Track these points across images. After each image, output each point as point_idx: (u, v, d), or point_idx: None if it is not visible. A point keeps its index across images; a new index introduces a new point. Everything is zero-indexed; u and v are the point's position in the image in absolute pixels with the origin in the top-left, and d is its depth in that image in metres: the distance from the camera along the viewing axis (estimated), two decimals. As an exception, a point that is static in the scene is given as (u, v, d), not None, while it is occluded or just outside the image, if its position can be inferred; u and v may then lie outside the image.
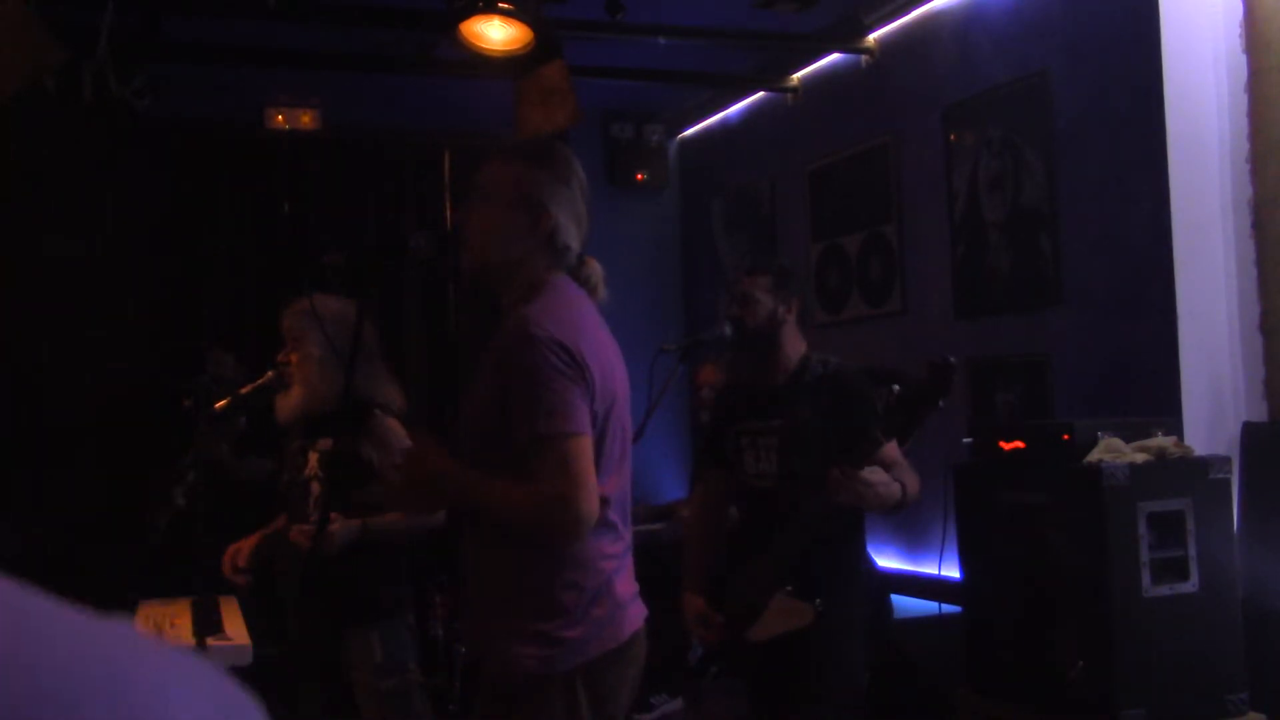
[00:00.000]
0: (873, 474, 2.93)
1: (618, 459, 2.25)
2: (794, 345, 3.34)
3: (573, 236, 2.30)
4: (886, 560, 4.75)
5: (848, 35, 5.15)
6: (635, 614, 2.27)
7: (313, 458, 3.38)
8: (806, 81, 5.67)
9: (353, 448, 3.21)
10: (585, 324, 2.23)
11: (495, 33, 4.21)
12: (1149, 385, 3.70)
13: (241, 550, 3.38)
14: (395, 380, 3.43)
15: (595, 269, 2.37)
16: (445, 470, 2.19)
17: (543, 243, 2.26)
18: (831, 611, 3.11)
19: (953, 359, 2.92)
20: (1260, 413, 3.55)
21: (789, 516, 3.08)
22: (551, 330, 2.12)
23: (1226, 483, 3.17)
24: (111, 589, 4.01)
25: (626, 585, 2.26)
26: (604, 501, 2.18)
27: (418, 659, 3.38)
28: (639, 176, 6.63)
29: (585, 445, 2.10)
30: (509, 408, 2.13)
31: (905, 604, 4.46)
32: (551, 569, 2.17)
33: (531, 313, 2.16)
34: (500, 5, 4.08)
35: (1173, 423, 3.36)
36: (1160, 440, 3.19)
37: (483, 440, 2.20)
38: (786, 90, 5.74)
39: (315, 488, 3.36)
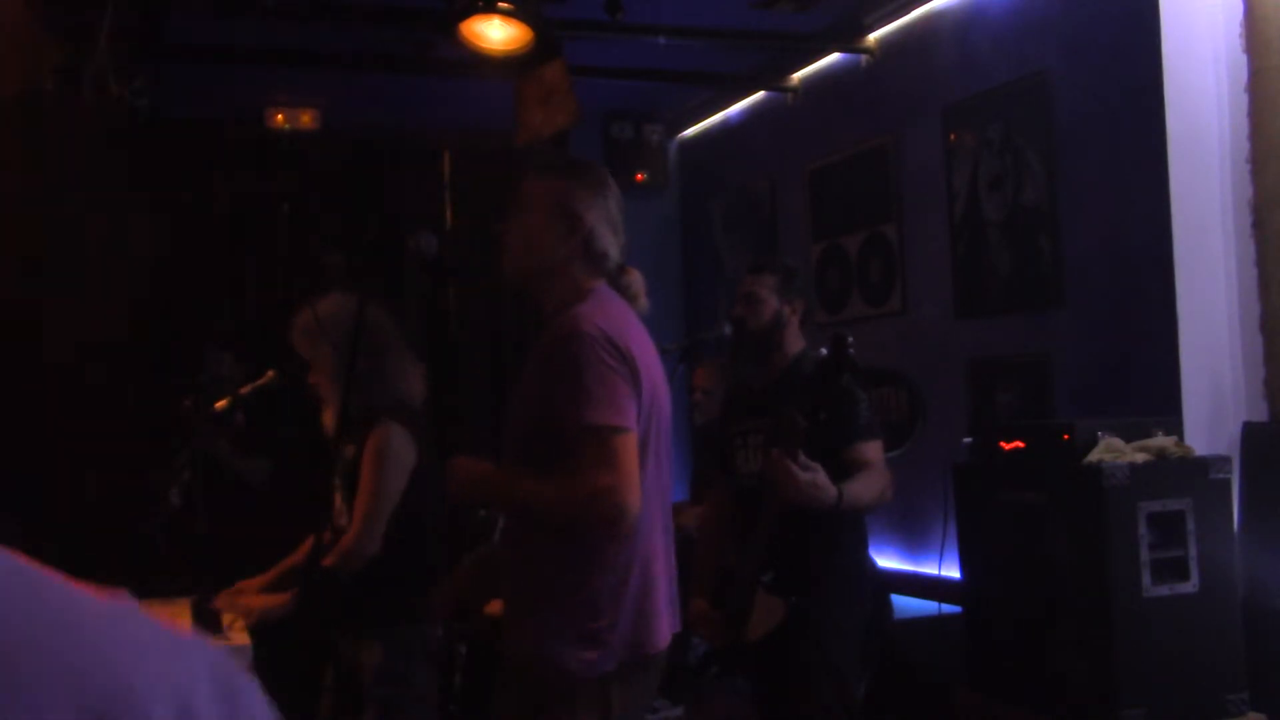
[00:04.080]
0: (808, 470, 2.90)
1: (662, 461, 2.32)
2: (794, 346, 3.34)
3: (610, 244, 2.35)
4: (886, 560, 4.75)
5: (848, 35, 5.15)
6: (673, 622, 2.30)
7: (339, 467, 3.37)
8: (806, 81, 5.67)
9: (359, 458, 3.18)
10: (632, 326, 2.28)
11: (495, 33, 4.21)
12: (1149, 385, 3.70)
13: (249, 614, 3.28)
14: (416, 366, 3.35)
15: (636, 278, 2.43)
16: (484, 475, 2.29)
17: (580, 249, 2.32)
18: (815, 607, 3.11)
19: (851, 339, 2.90)
20: (1260, 413, 3.55)
21: (763, 508, 3.08)
22: (602, 326, 2.17)
23: (1226, 483, 3.17)
24: (111, 589, 4.00)
25: (668, 595, 2.29)
26: (649, 504, 2.22)
27: (428, 676, 3.26)
28: (639, 176, 6.62)
29: (632, 441, 2.14)
30: (556, 401, 2.15)
31: (905, 604, 4.46)
32: (601, 568, 2.18)
33: (582, 311, 2.22)
34: (500, 5, 4.08)
35: (1173, 423, 3.36)
36: (1160, 440, 3.19)
37: (529, 441, 2.22)
38: (786, 90, 5.74)
39: (338, 498, 3.33)
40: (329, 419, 3.29)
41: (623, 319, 2.26)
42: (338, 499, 3.32)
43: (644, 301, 2.42)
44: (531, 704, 2.21)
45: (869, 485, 3.08)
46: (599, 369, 2.12)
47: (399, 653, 3.16)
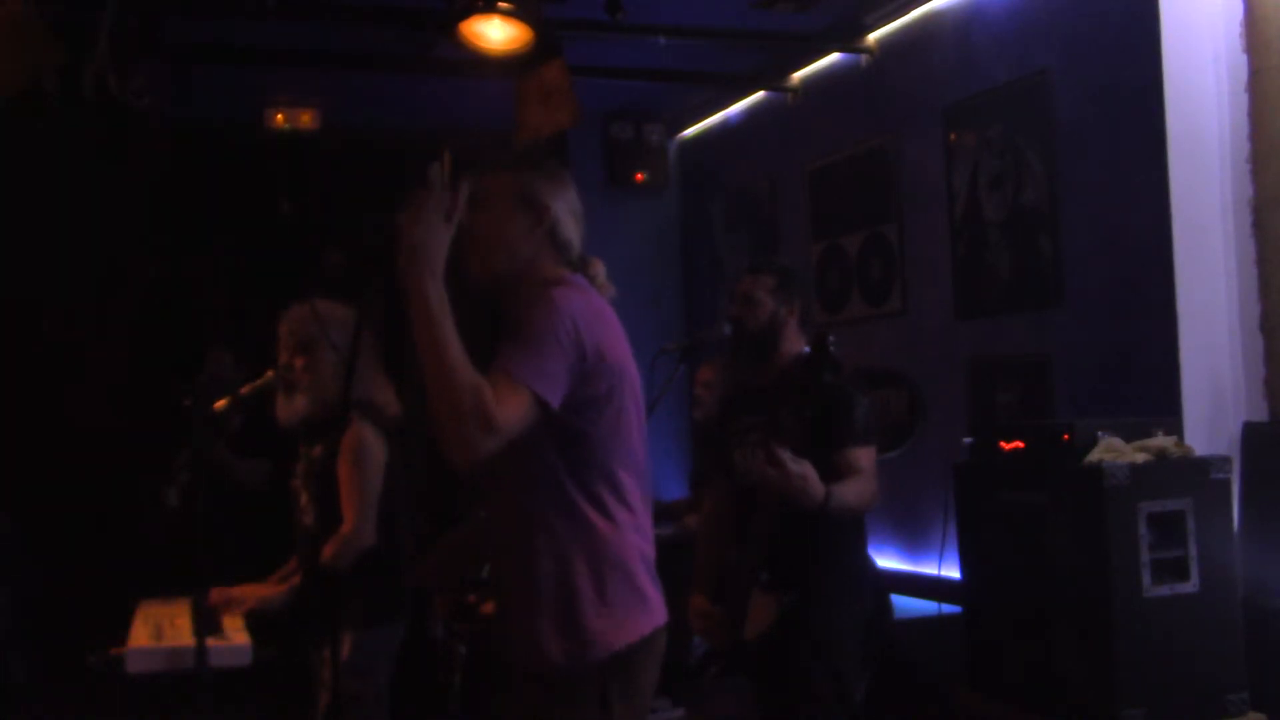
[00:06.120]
0: (797, 465, 2.91)
1: (638, 452, 2.27)
2: (793, 346, 3.34)
3: (573, 232, 2.33)
4: (886, 560, 4.75)
5: (848, 35, 5.15)
6: (659, 611, 2.28)
7: (301, 466, 3.38)
8: (806, 81, 5.67)
9: (334, 456, 3.20)
10: (603, 317, 2.26)
11: (495, 33, 4.21)
12: (1149, 385, 3.70)
13: (243, 601, 3.29)
14: (390, 386, 3.40)
15: (599, 267, 2.40)
16: (439, 291, 2.07)
17: (546, 240, 2.30)
18: (814, 607, 3.11)
19: (832, 337, 2.91)
20: (1260, 413, 3.55)
21: (761, 508, 3.09)
22: (572, 310, 2.15)
23: (1226, 483, 3.17)
24: (111, 588, 4.01)
25: (650, 579, 2.27)
26: (624, 492, 2.22)
27: (387, 676, 3.30)
28: (639, 176, 6.62)
29: (534, 411, 2.08)
30: (501, 349, 2.12)
31: (905, 604, 4.46)
32: (577, 558, 2.17)
33: (559, 290, 2.20)
34: (500, 5, 4.08)
35: (1173, 423, 3.36)
36: (1160, 440, 3.19)
37: None
38: (786, 90, 5.74)
39: (304, 497, 3.35)
40: (290, 407, 3.31)
41: (595, 309, 2.25)
42: (303, 497, 3.34)
43: (611, 289, 2.39)
44: (530, 701, 2.21)
45: (856, 490, 3.08)
46: (548, 337, 2.10)
47: (366, 650, 3.19)
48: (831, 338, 2.92)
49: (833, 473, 3.05)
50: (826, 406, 3.06)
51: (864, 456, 3.14)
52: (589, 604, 2.16)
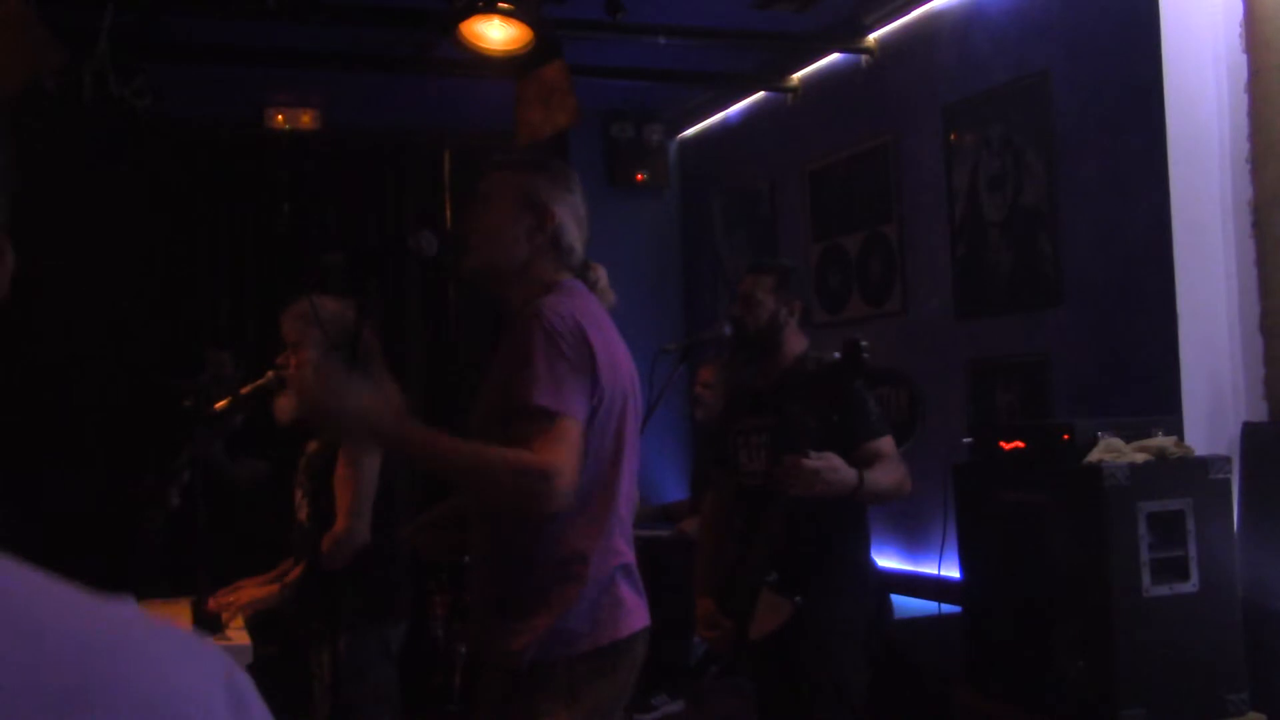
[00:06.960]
0: (821, 459, 2.93)
1: (628, 458, 2.28)
2: (794, 346, 3.35)
3: (575, 238, 2.34)
4: (886, 560, 4.74)
5: (848, 35, 5.15)
6: (638, 615, 2.28)
7: (301, 462, 3.38)
8: (806, 81, 5.67)
9: (332, 453, 3.20)
10: (599, 321, 2.27)
11: (495, 33, 4.21)
12: (1149, 385, 3.70)
13: (238, 602, 3.30)
14: (390, 382, 3.40)
15: (600, 273, 2.41)
16: (415, 430, 2.14)
17: (548, 244, 2.31)
18: (818, 607, 3.11)
19: (864, 342, 2.92)
20: (1260, 413, 3.55)
21: (770, 509, 3.10)
22: (565, 316, 2.16)
23: (1226, 483, 3.17)
24: (110, 589, 4.01)
25: (630, 586, 2.27)
26: (608, 496, 2.23)
27: (388, 675, 3.29)
28: (639, 176, 6.62)
29: (577, 430, 2.11)
30: (511, 383, 2.13)
31: (905, 604, 4.45)
32: (555, 559, 2.18)
33: (547, 301, 2.21)
34: (500, 5, 4.08)
35: (1173, 423, 3.36)
36: (1160, 440, 3.19)
37: (491, 427, 2.19)
38: (786, 90, 5.74)
39: (299, 493, 3.35)
40: (285, 405, 3.31)
41: (591, 313, 2.25)
42: (298, 494, 3.34)
43: (612, 296, 2.41)
44: (500, 693, 2.22)
45: (887, 473, 3.11)
46: (552, 354, 2.11)
47: (360, 650, 3.17)
48: (865, 344, 2.93)
49: (857, 467, 3.07)
50: (842, 408, 3.08)
51: (885, 445, 3.17)
52: (562, 605, 2.17)
